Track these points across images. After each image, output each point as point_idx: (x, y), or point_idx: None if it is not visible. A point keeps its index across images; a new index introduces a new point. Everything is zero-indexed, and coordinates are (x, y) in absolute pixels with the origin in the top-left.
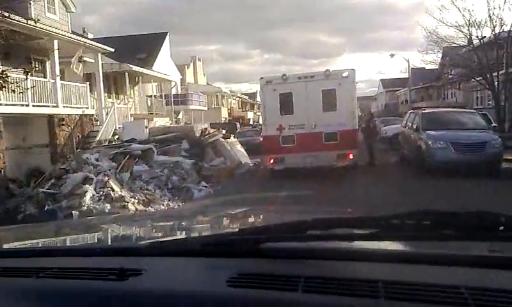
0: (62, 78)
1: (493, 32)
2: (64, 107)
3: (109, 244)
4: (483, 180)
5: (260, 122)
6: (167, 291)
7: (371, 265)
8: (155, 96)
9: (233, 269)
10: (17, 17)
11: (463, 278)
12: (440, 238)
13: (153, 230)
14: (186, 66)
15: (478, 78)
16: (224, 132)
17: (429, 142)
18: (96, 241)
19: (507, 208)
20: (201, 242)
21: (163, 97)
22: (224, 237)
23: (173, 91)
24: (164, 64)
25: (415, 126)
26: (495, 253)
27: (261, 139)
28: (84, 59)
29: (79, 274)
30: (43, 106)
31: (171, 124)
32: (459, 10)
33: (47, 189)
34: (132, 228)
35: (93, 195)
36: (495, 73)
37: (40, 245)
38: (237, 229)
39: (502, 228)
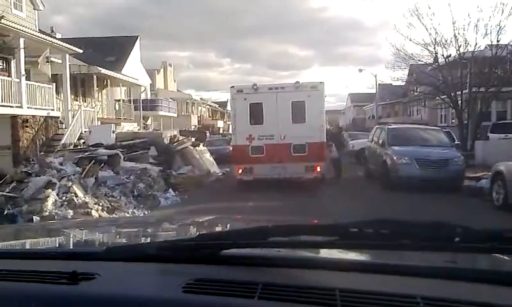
0: (27, 78)
1: (458, 52)
2: (28, 108)
3: (64, 247)
4: (445, 196)
5: (230, 131)
6: (119, 296)
7: (329, 273)
8: (123, 100)
9: (189, 275)
10: None
11: (419, 288)
12: (398, 248)
13: (113, 235)
14: (157, 72)
15: (442, 97)
16: (193, 140)
17: (394, 158)
18: (52, 245)
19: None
20: (157, 247)
21: (132, 102)
22: (181, 242)
23: (143, 96)
24: (134, 68)
25: (381, 142)
26: (451, 264)
27: (230, 149)
28: (51, 59)
29: (30, 277)
30: (7, 106)
31: (139, 130)
32: (426, 29)
33: (7, 193)
34: (91, 233)
35: (56, 200)
36: (459, 92)
37: None
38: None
39: (457, 239)
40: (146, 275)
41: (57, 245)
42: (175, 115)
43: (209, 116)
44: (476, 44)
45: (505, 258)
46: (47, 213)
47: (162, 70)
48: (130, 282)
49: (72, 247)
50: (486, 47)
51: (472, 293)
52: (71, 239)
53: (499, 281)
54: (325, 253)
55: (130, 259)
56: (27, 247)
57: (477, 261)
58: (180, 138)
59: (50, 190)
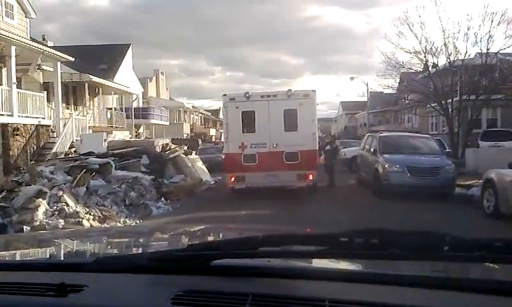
0: (19, 87)
1: (448, 60)
2: (19, 116)
3: (53, 258)
4: (436, 203)
5: (222, 139)
6: None
7: (319, 283)
8: (115, 108)
9: (179, 286)
10: None
11: (409, 298)
12: (387, 257)
13: (103, 246)
14: (149, 80)
15: (433, 104)
16: (185, 148)
17: (386, 166)
18: (41, 255)
19: (456, 230)
20: (147, 257)
21: (124, 110)
22: (172, 253)
23: (135, 104)
24: (126, 76)
25: (372, 150)
26: (440, 273)
27: (223, 157)
28: (43, 67)
29: (16, 290)
30: None
31: (131, 138)
32: (417, 37)
33: None
34: (81, 243)
35: (47, 210)
36: (450, 100)
37: None
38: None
39: (446, 247)
40: (135, 286)
41: (47, 256)
42: (167, 123)
43: (201, 124)
44: (466, 52)
45: (494, 267)
46: (38, 223)
47: (154, 78)
48: (119, 294)
49: (61, 258)
50: (476, 55)
51: (461, 302)
52: (61, 250)
53: (488, 290)
54: (315, 263)
55: (119, 270)
56: (16, 258)
57: (466, 270)
58: (172, 146)
59: (40, 199)
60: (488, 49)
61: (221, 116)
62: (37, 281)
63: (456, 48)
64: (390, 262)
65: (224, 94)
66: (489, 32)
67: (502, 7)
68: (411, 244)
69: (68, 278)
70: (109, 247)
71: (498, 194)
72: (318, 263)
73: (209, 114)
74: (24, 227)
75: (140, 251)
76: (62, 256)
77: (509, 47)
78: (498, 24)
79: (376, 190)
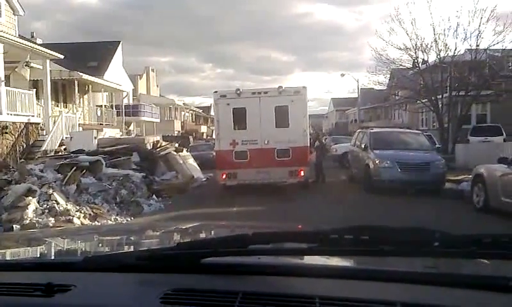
0: (7, 84)
1: (438, 56)
2: (8, 114)
3: (42, 258)
4: (426, 198)
5: (214, 136)
6: None
7: (309, 280)
8: (105, 106)
9: (168, 285)
10: None
11: (399, 294)
12: (377, 254)
13: (92, 244)
14: (139, 77)
15: (423, 100)
16: (176, 145)
17: (377, 161)
18: (30, 255)
19: (446, 224)
20: (136, 256)
21: (114, 107)
22: (161, 251)
23: (125, 102)
24: (116, 73)
25: (363, 146)
26: (430, 269)
27: (214, 154)
28: (32, 64)
29: (4, 290)
30: None
31: (121, 135)
32: (407, 34)
33: None
34: (71, 242)
35: (36, 208)
36: (440, 96)
37: None
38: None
39: (436, 243)
40: (124, 285)
41: (36, 256)
42: (158, 120)
43: (192, 121)
44: (456, 48)
45: (484, 262)
46: (28, 222)
47: (144, 75)
48: (106, 293)
49: (49, 258)
50: (465, 51)
51: (452, 298)
52: (50, 249)
53: (478, 285)
54: (305, 260)
55: (108, 269)
56: (4, 257)
57: (456, 266)
58: (163, 143)
59: (30, 197)
60: (477, 45)
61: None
62: (24, 281)
63: (446, 44)
64: (380, 258)
65: (215, 91)
66: (479, 28)
67: (491, 4)
68: (401, 240)
69: (56, 278)
70: (99, 245)
71: (488, 189)
72: (308, 260)
73: (200, 111)
74: (14, 225)
75: (130, 249)
76: (51, 255)
77: (498, 43)
78: (487, 21)
79: (366, 185)
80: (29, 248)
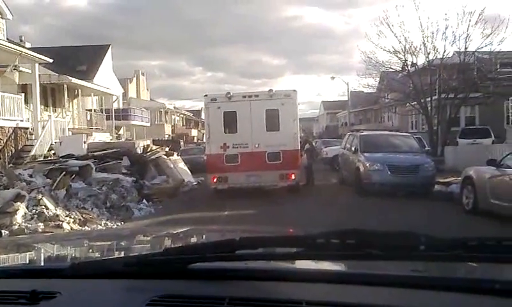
0: None
1: (427, 59)
2: None
3: (28, 264)
4: (416, 201)
5: (204, 140)
6: None
7: (296, 284)
8: (95, 110)
9: (155, 291)
10: None
11: (386, 298)
12: (364, 258)
13: (80, 250)
14: (129, 80)
15: (413, 103)
16: (167, 149)
17: (367, 164)
18: (16, 261)
19: (436, 226)
20: (124, 262)
21: (104, 111)
22: (148, 257)
23: (115, 106)
24: (105, 77)
25: (353, 149)
26: (418, 273)
27: (205, 158)
28: (21, 68)
29: None
30: None
31: (111, 139)
32: (396, 36)
33: None
34: (59, 248)
35: (25, 213)
36: (429, 99)
37: None
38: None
39: (423, 247)
40: (110, 292)
41: (22, 262)
42: (148, 124)
43: (183, 125)
44: (445, 51)
45: (472, 265)
46: (17, 227)
47: (134, 79)
48: (92, 300)
49: (36, 264)
50: (454, 54)
51: (439, 301)
52: (38, 255)
53: (466, 288)
54: (292, 264)
55: (95, 275)
56: None
57: (444, 269)
58: (154, 147)
59: (19, 203)
60: (465, 48)
61: (202, 116)
62: (9, 288)
63: (435, 47)
64: (366, 263)
65: (206, 95)
66: (467, 31)
67: (479, 7)
68: (389, 243)
69: (41, 285)
70: (86, 251)
71: (477, 190)
72: (295, 264)
73: (191, 114)
74: (2, 231)
75: (119, 255)
76: (38, 261)
77: (486, 45)
78: (475, 23)
79: (357, 188)
80: (16, 254)
